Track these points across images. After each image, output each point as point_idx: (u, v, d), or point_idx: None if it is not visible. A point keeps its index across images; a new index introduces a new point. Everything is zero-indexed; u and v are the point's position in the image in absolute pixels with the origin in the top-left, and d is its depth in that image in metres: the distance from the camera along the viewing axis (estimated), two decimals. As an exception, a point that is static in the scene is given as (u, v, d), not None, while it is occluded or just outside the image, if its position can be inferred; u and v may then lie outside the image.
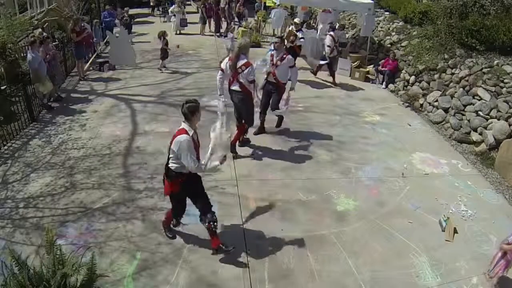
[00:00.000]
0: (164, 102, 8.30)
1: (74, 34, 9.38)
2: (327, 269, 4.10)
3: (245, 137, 6.48)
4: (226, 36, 15.45)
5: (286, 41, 10.04)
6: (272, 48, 6.52)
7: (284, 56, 6.34)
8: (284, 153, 6.38)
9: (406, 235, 4.64)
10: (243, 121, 6.12)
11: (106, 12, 14.27)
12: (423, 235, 4.68)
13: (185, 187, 3.91)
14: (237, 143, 6.27)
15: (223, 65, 5.85)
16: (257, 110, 6.42)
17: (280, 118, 7.07)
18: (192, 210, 4.83)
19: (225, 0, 16.11)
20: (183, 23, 15.48)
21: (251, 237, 4.48)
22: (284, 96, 6.68)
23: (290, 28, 10.48)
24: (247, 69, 5.61)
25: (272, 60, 6.43)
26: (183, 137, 3.65)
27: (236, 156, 6.05)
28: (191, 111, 3.72)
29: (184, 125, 3.77)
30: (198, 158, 3.75)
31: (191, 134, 3.72)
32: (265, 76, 6.52)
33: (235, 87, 5.78)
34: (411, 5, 11.36)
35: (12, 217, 4.61)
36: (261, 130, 6.88)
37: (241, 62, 5.64)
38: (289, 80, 6.60)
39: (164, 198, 5.04)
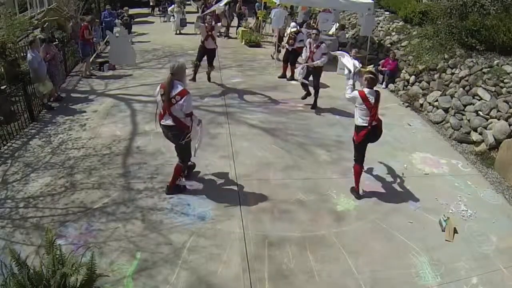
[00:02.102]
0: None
1: (87, 31, 9.81)
2: (327, 269, 4.10)
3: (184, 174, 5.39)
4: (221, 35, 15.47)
5: (287, 45, 10.10)
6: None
7: (319, 44, 7.82)
8: (284, 153, 6.39)
9: (406, 235, 4.64)
10: (178, 160, 5.07)
11: (106, 12, 14.28)
12: (423, 235, 4.68)
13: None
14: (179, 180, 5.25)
15: (155, 93, 4.84)
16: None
17: (315, 100, 8.25)
18: (191, 210, 4.86)
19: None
20: (183, 23, 15.49)
21: (251, 237, 4.48)
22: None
23: (289, 31, 10.50)
24: (183, 99, 4.49)
25: (310, 48, 7.90)
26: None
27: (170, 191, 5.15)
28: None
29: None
30: None
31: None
32: (304, 63, 8.02)
33: (168, 122, 4.66)
34: (411, 5, 11.37)
35: (12, 217, 4.60)
36: (307, 95, 8.48)
37: (176, 91, 4.53)
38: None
39: (164, 198, 5.05)
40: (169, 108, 4.55)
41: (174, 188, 5.13)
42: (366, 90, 4.96)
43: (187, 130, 4.71)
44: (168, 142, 6.31)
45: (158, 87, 4.73)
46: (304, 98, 8.49)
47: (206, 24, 9.10)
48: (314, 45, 7.85)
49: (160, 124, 4.80)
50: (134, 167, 5.77)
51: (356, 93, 5.01)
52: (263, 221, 4.76)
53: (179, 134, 4.70)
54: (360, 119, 5.02)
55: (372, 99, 4.92)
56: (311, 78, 8.14)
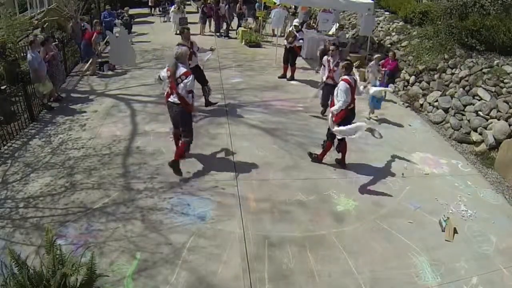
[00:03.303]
0: (164, 102, 8.24)
1: (97, 34, 10.36)
2: (327, 269, 4.10)
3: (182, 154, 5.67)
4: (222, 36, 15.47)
5: (286, 41, 10.08)
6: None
7: (340, 61, 6.73)
8: (284, 153, 6.39)
9: (406, 235, 4.64)
10: (183, 137, 5.58)
11: (106, 12, 14.29)
12: (423, 235, 4.68)
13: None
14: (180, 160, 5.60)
15: (162, 74, 5.51)
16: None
17: None
18: (191, 210, 4.86)
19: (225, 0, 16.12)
20: (182, 22, 15.49)
21: (251, 237, 4.48)
22: None
23: (290, 29, 10.49)
24: (187, 79, 5.15)
25: (329, 66, 7.33)
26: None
27: (179, 173, 5.50)
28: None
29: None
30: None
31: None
32: (323, 79, 7.46)
33: (174, 99, 5.30)
34: (411, 5, 11.37)
35: (12, 217, 4.60)
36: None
37: (180, 71, 5.19)
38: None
39: (164, 198, 5.05)
40: (176, 87, 5.21)
41: (176, 163, 5.49)
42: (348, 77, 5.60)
43: (190, 107, 5.39)
44: (168, 143, 6.38)
45: (165, 69, 5.40)
46: (324, 112, 7.75)
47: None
48: (334, 63, 7.23)
49: (168, 101, 5.43)
50: (134, 167, 5.77)
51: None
52: (263, 221, 4.76)
53: (183, 110, 5.34)
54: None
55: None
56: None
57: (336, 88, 5.64)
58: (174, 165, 5.45)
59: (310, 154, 6.20)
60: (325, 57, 7.50)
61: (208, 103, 7.92)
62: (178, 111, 5.35)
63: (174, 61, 5.26)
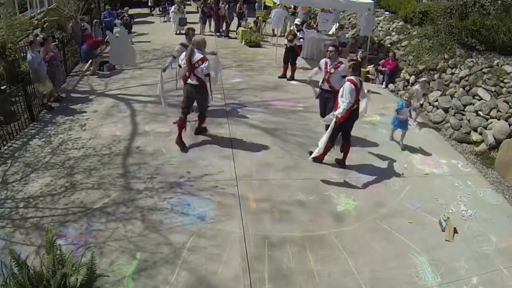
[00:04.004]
0: (161, 101, 8.28)
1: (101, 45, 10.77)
2: (327, 269, 4.10)
3: (202, 126, 6.84)
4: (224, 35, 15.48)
5: (286, 39, 10.08)
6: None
7: (338, 64, 6.37)
8: (284, 153, 6.39)
9: (406, 235, 4.64)
10: (200, 112, 6.56)
11: (106, 12, 14.29)
12: (423, 235, 4.68)
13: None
14: (183, 132, 6.42)
15: (181, 58, 6.20)
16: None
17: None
18: (191, 210, 4.86)
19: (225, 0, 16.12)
20: (182, 22, 15.49)
21: (251, 237, 4.48)
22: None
23: (291, 28, 10.49)
24: (204, 64, 5.89)
25: (326, 68, 6.50)
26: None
27: (184, 150, 6.31)
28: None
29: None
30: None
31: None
32: (320, 83, 6.70)
33: (192, 81, 6.04)
34: (411, 5, 11.38)
35: (12, 217, 4.60)
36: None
37: (197, 57, 5.92)
38: None
39: (164, 198, 5.05)
40: (193, 70, 5.93)
41: (201, 129, 6.80)
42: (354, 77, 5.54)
43: (206, 88, 6.11)
44: (168, 143, 6.39)
45: (183, 54, 6.09)
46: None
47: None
48: (331, 65, 6.45)
49: (186, 83, 6.12)
50: (134, 167, 5.77)
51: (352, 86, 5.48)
52: (263, 221, 4.76)
53: (200, 90, 6.08)
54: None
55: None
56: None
57: (341, 88, 5.57)
58: (199, 130, 6.74)
59: (311, 153, 6.18)
60: (323, 59, 6.75)
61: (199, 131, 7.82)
62: (195, 91, 6.10)
63: (190, 47, 5.97)
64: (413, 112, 7.66)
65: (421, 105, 7.98)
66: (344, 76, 6.14)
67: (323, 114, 6.71)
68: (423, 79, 8.41)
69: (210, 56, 7.45)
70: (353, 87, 5.41)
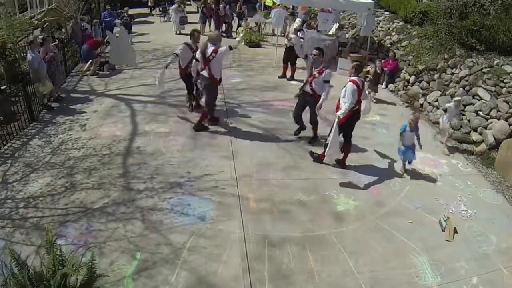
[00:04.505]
0: (164, 102, 8.30)
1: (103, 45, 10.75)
2: (327, 269, 4.10)
3: (203, 123, 7.03)
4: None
5: (286, 39, 10.07)
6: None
7: (323, 69, 6.18)
8: (284, 153, 6.38)
9: (406, 235, 4.64)
10: (205, 106, 6.94)
11: (106, 12, 14.29)
12: (423, 235, 4.68)
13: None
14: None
15: (197, 53, 6.67)
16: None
17: (315, 132, 6.81)
18: (191, 210, 4.86)
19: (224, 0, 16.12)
20: (182, 21, 15.49)
21: (251, 237, 4.48)
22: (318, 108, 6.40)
23: (292, 27, 10.47)
24: (217, 55, 6.35)
25: (311, 71, 6.36)
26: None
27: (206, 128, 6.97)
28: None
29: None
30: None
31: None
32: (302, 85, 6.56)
33: (204, 74, 6.49)
34: (411, 5, 11.37)
35: (12, 217, 4.60)
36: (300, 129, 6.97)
37: (210, 50, 6.37)
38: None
39: (164, 198, 5.05)
40: (208, 63, 6.39)
41: (201, 127, 6.97)
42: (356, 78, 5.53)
43: (214, 83, 6.57)
44: (168, 143, 6.40)
45: (199, 50, 6.61)
46: (297, 133, 6.97)
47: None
48: (316, 69, 6.27)
49: (200, 75, 6.59)
50: (134, 167, 5.78)
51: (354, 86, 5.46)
52: (263, 221, 4.76)
53: (209, 84, 6.54)
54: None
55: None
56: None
57: (343, 89, 5.55)
58: (199, 127, 6.91)
59: (312, 154, 6.19)
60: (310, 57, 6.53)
61: (197, 106, 7.79)
62: (204, 84, 6.57)
63: (205, 42, 6.48)
64: (438, 135, 6.98)
65: (450, 127, 7.06)
66: (326, 81, 6.18)
67: (297, 116, 6.73)
68: (458, 98, 7.15)
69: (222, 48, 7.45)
70: (355, 87, 5.41)
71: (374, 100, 8.59)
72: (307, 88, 6.36)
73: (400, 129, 5.96)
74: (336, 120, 5.49)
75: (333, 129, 5.53)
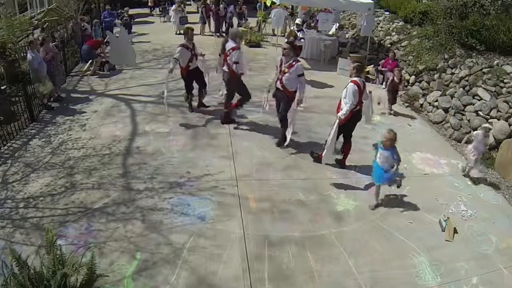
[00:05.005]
0: (164, 102, 8.28)
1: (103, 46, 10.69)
2: (327, 269, 4.10)
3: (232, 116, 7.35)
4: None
5: (286, 40, 10.06)
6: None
7: (294, 63, 6.02)
8: (284, 153, 6.38)
9: (406, 235, 4.64)
10: (241, 97, 7.15)
11: (106, 12, 14.28)
12: (423, 235, 4.69)
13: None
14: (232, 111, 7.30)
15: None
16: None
17: (283, 134, 6.51)
18: (191, 210, 4.86)
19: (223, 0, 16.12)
20: (182, 21, 15.49)
21: (251, 237, 4.48)
22: (293, 106, 6.31)
23: (291, 29, 10.47)
24: (234, 52, 6.52)
25: (280, 66, 6.18)
26: None
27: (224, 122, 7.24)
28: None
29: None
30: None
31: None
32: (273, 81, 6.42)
33: (225, 68, 6.76)
34: (411, 5, 11.37)
35: (12, 217, 4.60)
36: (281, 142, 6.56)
37: (229, 46, 6.64)
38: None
39: (164, 198, 5.05)
40: (226, 58, 6.67)
41: (228, 118, 7.29)
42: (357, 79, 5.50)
43: (235, 75, 6.72)
44: (168, 143, 6.42)
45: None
46: (278, 145, 6.59)
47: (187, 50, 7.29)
48: (287, 64, 6.07)
49: (222, 69, 6.94)
50: (134, 167, 5.77)
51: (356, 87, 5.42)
52: (263, 221, 4.76)
53: (230, 78, 6.76)
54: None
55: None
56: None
57: (344, 90, 5.55)
58: (227, 119, 7.24)
59: (312, 153, 6.18)
60: (279, 56, 6.35)
61: (200, 105, 7.99)
62: (228, 77, 6.78)
63: (225, 38, 7.06)
64: (467, 167, 5.98)
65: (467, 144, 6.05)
66: (300, 75, 6.05)
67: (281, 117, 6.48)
68: (486, 125, 6.21)
69: (210, 56, 7.69)
70: (356, 88, 5.41)
71: (392, 112, 7.99)
72: (278, 85, 6.23)
73: (375, 144, 5.44)
74: (337, 121, 5.49)
75: (332, 130, 5.52)
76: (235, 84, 6.86)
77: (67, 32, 11.82)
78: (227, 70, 6.70)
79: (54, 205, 4.85)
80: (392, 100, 8.30)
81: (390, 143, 4.97)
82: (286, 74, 6.06)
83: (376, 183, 5.12)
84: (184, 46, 7.19)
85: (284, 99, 6.24)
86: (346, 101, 5.46)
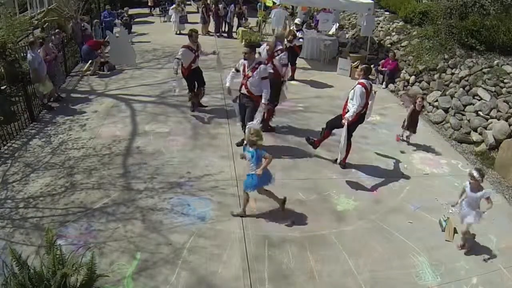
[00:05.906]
0: (164, 102, 8.30)
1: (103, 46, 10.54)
2: (327, 269, 4.10)
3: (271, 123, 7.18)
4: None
5: (285, 40, 10.06)
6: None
7: (256, 66, 5.81)
8: (284, 153, 6.38)
9: (406, 235, 4.64)
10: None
11: (106, 12, 14.28)
12: (423, 235, 4.68)
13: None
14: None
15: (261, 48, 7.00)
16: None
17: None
18: (191, 210, 4.86)
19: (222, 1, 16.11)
20: (182, 20, 15.48)
21: (251, 237, 4.48)
22: (260, 109, 6.22)
23: (291, 28, 10.47)
24: (283, 54, 6.75)
25: (244, 71, 5.95)
26: None
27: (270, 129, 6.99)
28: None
29: None
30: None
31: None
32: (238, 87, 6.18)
33: (269, 69, 6.29)
34: (411, 5, 11.37)
35: (12, 217, 4.60)
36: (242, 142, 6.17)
37: (277, 47, 6.81)
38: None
39: (164, 199, 5.05)
40: (271, 59, 6.60)
41: (269, 127, 6.99)
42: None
43: (279, 76, 6.69)
44: (168, 143, 6.41)
45: (265, 44, 7.10)
46: (239, 144, 6.31)
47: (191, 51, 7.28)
48: (249, 68, 5.86)
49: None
50: (134, 167, 5.77)
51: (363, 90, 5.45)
52: (263, 221, 4.76)
53: (273, 79, 6.27)
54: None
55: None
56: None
57: (352, 91, 5.55)
58: (267, 127, 6.80)
59: (308, 139, 6.09)
60: (241, 60, 6.07)
61: (199, 105, 7.97)
62: (271, 78, 6.25)
63: (273, 39, 7.11)
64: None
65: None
66: (264, 78, 5.81)
67: (243, 119, 6.17)
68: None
69: (210, 56, 7.70)
70: (363, 90, 5.43)
71: (409, 140, 6.97)
72: (243, 90, 6.00)
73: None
74: (346, 123, 5.52)
75: (343, 133, 5.56)
76: (279, 86, 6.74)
77: (66, 37, 11.76)
78: (270, 70, 6.32)
79: (54, 205, 4.85)
80: (412, 129, 6.90)
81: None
82: (250, 78, 5.86)
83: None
84: (188, 47, 7.22)
85: (251, 105, 5.98)
86: (354, 103, 5.47)
